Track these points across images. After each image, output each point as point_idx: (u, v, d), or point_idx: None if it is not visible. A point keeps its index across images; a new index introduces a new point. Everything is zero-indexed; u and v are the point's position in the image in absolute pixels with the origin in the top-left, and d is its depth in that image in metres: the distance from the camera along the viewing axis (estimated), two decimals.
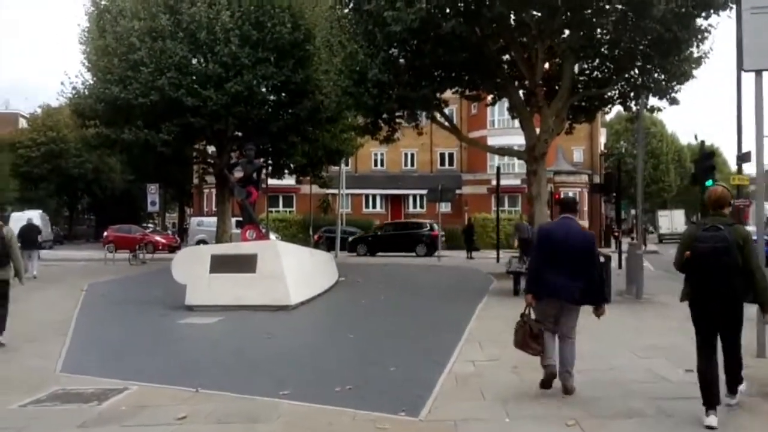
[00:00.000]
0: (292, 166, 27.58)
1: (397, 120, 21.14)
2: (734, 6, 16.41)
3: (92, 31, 23.59)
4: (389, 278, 18.43)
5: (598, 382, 6.41)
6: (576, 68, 19.64)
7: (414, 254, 30.86)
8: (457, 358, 7.69)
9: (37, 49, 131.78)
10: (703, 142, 23.86)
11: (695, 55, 17.89)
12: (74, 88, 23.96)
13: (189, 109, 21.60)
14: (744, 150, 18.27)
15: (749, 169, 19.23)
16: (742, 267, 5.12)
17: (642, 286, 13.85)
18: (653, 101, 19.09)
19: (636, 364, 7.30)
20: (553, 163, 38.00)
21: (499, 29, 17.71)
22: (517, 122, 21.60)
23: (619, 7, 15.82)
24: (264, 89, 22.98)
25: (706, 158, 18.56)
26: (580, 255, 6.00)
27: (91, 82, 23.61)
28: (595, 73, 20.27)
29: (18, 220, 24.49)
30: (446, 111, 23.08)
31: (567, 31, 18.16)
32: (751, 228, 8.60)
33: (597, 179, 41.67)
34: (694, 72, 18.09)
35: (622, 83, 19.58)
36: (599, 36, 17.95)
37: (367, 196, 47.02)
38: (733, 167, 31.98)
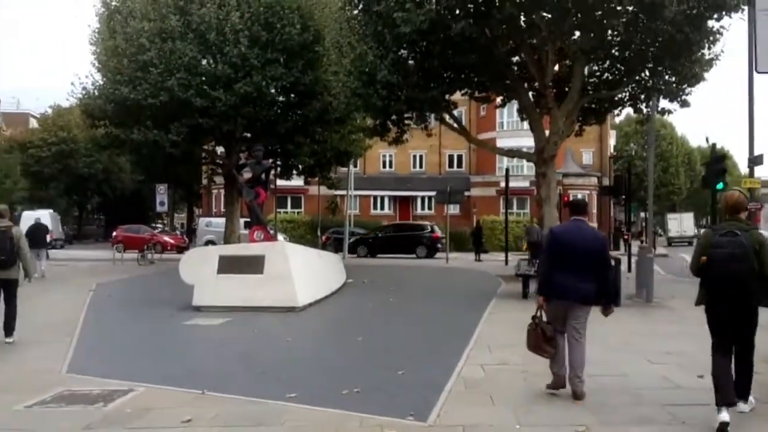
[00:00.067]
0: (300, 166, 27.57)
1: (406, 121, 21.09)
2: (747, 8, 16.29)
3: (102, 32, 23.70)
4: (397, 280, 18.34)
5: (608, 388, 6.32)
6: (586, 70, 19.52)
7: (414, 256, 30.82)
8: (466, 362, 7.61)
9: (37, 49, 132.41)
10: (714, 144, 23.62)
11: (707, 57, 17.77)
12: (84, 88, 24.09)
13: (198, 110, 21.64)
14: (756, 153, 18.08)
15: (760, 172, 19.04)
16: (758, 272, 5.08)
17: (652, 290, 13.74)
18: (664, 103, 19.00)
19: (647, 370, 7.20)
20: (562, 165, 37.90)
21: (509, 30, 17.62)
22: (526, 124, 21.52)
23: (630, 8, 15.72)
24: (273, 90, 22.98)
25: (717, 161, 18.38)
26: (593, 257, 6.02)
27: (101, 82, 23.71)
28: (606, 74, 20.16)
29: (29, 219, 24.69)
30: (455, 113, 23.03)
31: (577, 33, 18.05)
32: (764, 231, 8.49)
33: (606, 182, 41.50)
34: (706, 74, 17.97)
35: (633, 85, 19.48)
36: (610, 38, 17.85)
37: (375, 197, 47.01)
38: (743, 170, 31.76)
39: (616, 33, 17.31)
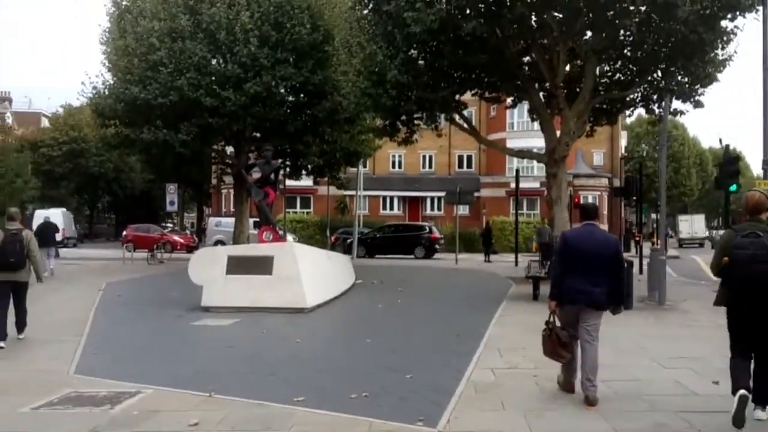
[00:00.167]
0: (309, 167, 27.53)
1: (416, 122, 21.01)
2: (761, 8, 16.11)
3: (113, 32, 23.74)
4: (406, 281, 18.26)
5: (621, 394, 6.23)
6: (598, 70, 19.38)
7: (412, 256, 30.57)
8: (476, 366, 7.52)
9: (36, 50, 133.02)
10: (727, 146, 23.37)
11: (720, 57, 17.60)
12: (95, 87, 24.13)
13: (208, 110, 21.63)
14: None
15: None
16: None
17: (665, 293, 13.57)
18: (677, 104, 18.83)
19: (661, 375, 7.08)
20: (573, 166, 37.67)
21: (520, 30, 17.50)
22: (536, 125, 21.40)
23: (643, 8, 15.58)
24: (282, 90, 22.93)
25: (730, 163, 18.18)
26: (606, 261, 6.01)
27: (111, 82, 23.76)
28: (618, 75, 20.01)
29: (41, 218, 24.97)
30: (465, 113, 22.93)
31: (589, 33, 17.93)
32: None
33: (617, 183, 41.26)
34: (719, 75, 17.80)
35: (645, 86, 19.32)
36: (622, 38, 17.70)
37: (384, 197, 46.95)
38: (756, 171, 31.42)
39: (628, 33, 17.17)
